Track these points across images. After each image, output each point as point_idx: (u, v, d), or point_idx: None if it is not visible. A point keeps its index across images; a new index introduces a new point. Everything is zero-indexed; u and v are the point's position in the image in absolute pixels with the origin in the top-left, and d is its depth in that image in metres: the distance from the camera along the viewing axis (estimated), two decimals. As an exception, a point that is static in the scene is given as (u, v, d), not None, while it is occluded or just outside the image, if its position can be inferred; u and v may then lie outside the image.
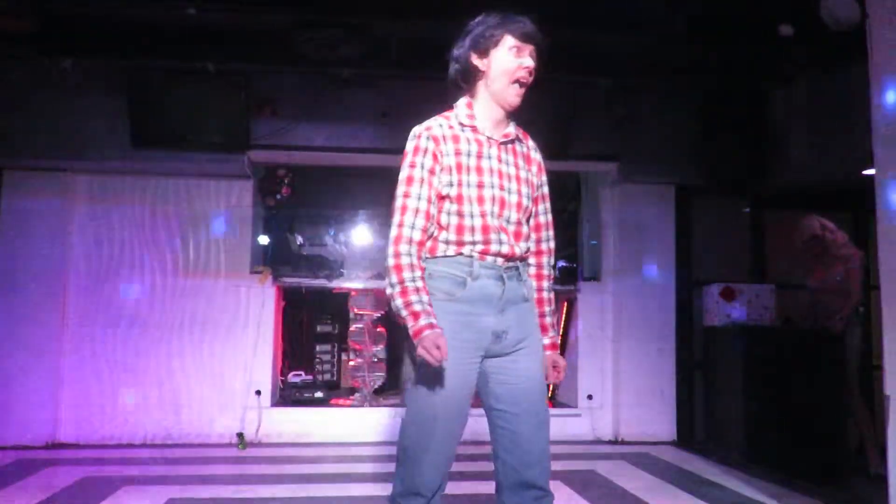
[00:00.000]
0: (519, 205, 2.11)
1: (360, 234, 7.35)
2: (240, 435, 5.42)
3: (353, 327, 6.17)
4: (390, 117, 5.53)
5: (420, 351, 1.89)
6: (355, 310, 6.13)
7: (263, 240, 6.14)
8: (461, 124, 2.14)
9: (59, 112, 5.28)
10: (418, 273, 2.01)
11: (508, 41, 2.08)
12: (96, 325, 5.46)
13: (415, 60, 5.13)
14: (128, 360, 5.47)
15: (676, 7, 4.57)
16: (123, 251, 5.55)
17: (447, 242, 2.07)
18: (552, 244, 2.26)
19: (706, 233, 6.06)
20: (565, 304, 6.26)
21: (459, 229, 2.06)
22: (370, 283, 6.04)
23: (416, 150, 2.09)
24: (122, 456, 5.04)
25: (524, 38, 2.08)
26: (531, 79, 2.12)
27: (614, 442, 5.77)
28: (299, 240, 6.72)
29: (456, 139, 2.11)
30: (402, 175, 2.09)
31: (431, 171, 2.07)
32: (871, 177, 3.19)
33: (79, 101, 5.30)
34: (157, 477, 4.44)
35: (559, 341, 2.23)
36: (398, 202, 2.08)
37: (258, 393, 5.57)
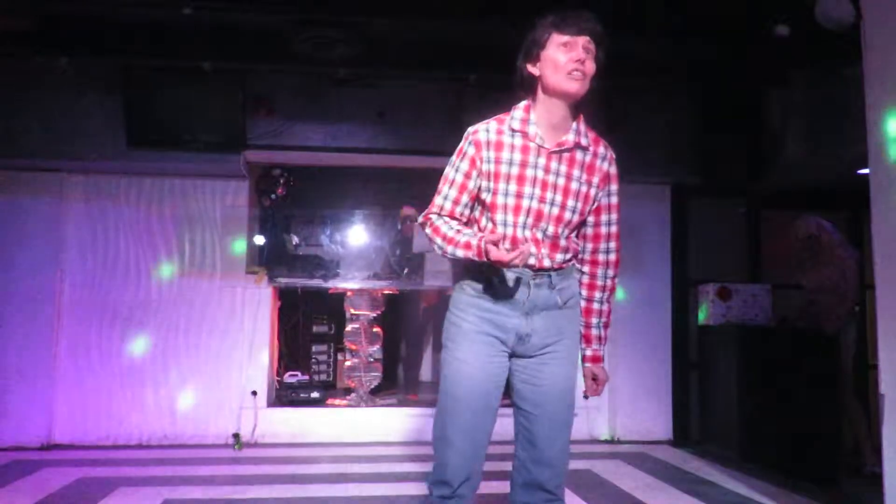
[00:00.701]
0: (559, 218, 2.07)
1: (357, 235, 7.35)
2: (236, 435, 5.41)
3: (349, 327, 6.16)
4: (387, 117, 5.53)
5: (493, 257, 1.92)
6: (351, 310, 6.12)
7: (259, 240, 6.12)
8: (512, 129, 2.10)
9: (55, 111, 5.26)
10: (454, 224, 2.10)
11: (556, 39, 2.05)
12: (91, 326, 5.45)
13: (412, 60, 5.13)
14: (123, 360, 5.46)
15: (673, 7, 4.57)
16: (119, 251, 5.54)
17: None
18: (612, 256, 2.20)
19: (702, 232, 6.07)
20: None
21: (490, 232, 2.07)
22: (366, 283, 6.04)
23: (458, 151, 2.14)
24: (117, 457, 5.03)
25: (572, 31, 2.03)
26: (590, 68, 2.06)
27: (611, 441, 5.78)
28: (295, 240, 6.71)
29: (500, 146, 2.08)
30: (444, 171, 2.17)
31: (466, 175, 2.11)
32: (866, 176, 3.19)
33: (74, 100, 5.28)
34: (153, 478, 4.43)
35: (602, 354, 2.23)
36: (436, 195, 2.18)
37: (254, 393, 5.56)
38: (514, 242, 2.06)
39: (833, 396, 4.85)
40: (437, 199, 2.16)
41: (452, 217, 2.14)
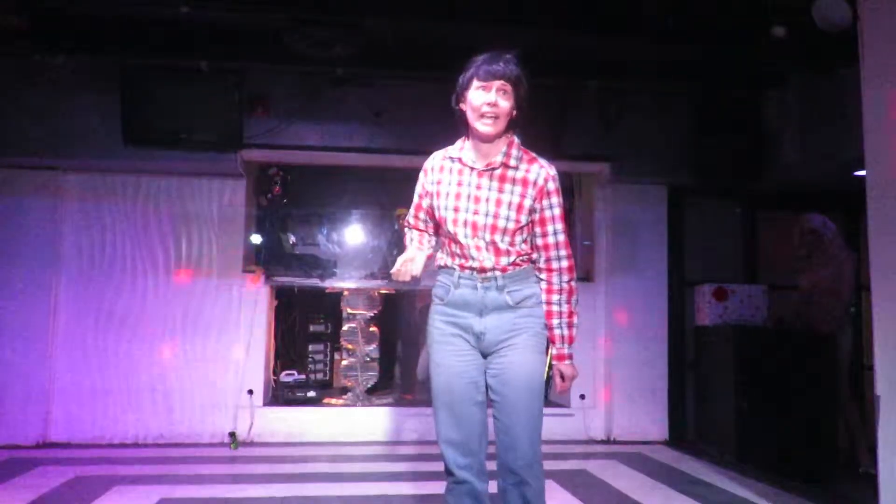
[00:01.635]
0: (494, 227, 2.34)
1: (353, 234, 7.34)
2: (232, 434, 5.41)
3: (345, 327, 6.16)
4: (384, 117, 5.53)
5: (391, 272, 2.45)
6: (348, 309, 6.11)
7: (256, 239, 6.12)
8: (450, 157, 2.45)
9: (51, 109, 5.25)
10: (415, 234, 2.57)
11: (474, 83, 2.33)
12: (88, 325, 5.44)
13: (409, 60, 5.13)
14: (119, 359, 5.45)
15: (668, 8, 4.58)
16: (115, 250, 5.53)
17: (442, 255, 2.48)
18: (564, 263, 2.42)
19: (698, 233, 6.09)
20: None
21: (446, 246, 2.45)
22: (363, 282, 6.03)
23: (418, 179, 2.55)
24: (113, 455, 5.02)
25: (487, 76, 2.30)
26: (500, 109, 2.31)
27: (607, 441, 5.78)
28: (292, 239, 6.70)
29: (442, 169, 2.46)
30: None
31: (421, 196, 2.53)
32: (862, 178, 3.20)
33: (70, 98, 5.28)
34: (149, 476, 4.43)
35: (566, 352, 2.43)
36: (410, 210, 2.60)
37: (250, 392, 5.56)
38: (461, 248, 2.38)
39: (828, 397, 4.86)
40: (407, 225, 2.64)
41: (415, 228, 2.59)
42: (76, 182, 5.51)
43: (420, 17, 4.56)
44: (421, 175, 2.52)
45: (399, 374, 6.90)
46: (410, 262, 2.40)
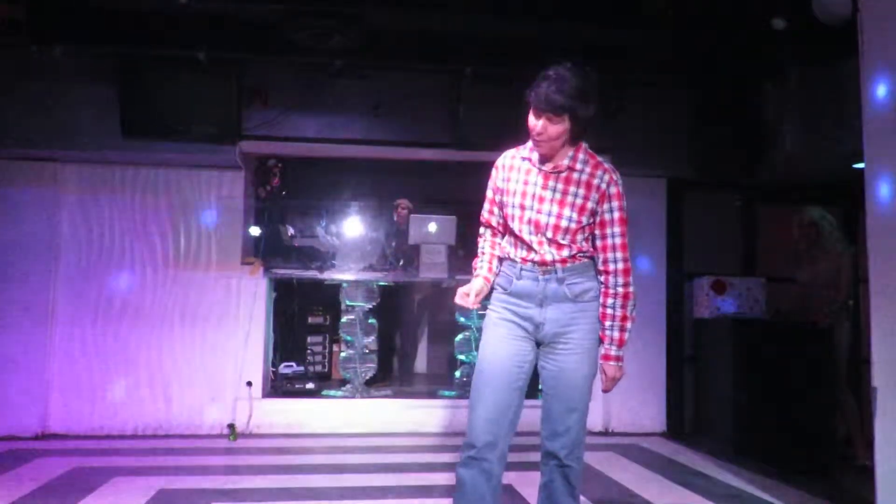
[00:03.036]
0: (556, 227, 2.45)
1: (352, 226, 7.33)
2: (231, 426, 5.42)
3: (344, 319, 6.16)
4: (382, 108, 5.52)
5: (455, 300, 2.50)
6: (347, 301, 6.12)
7: (255, 231, 6.11)
8: (522, 156, 2.57)
9: (48, 101, 5.24)
10: (487, 243, 2.65)
11: (531, 106, 2.44)
12: (86, 316, 5.44)
13: (408, 52, 5.11)
14: (118, 350, 5.45)
15: (669, 1, 4.57)
16: (113, 242, 5.52)
17: (506, 246, 2.58)
18: (620, 266, 2.51)
19: (697, 226, 6.08)
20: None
21: (509, 240, 2.57)
22: (362, 274, 6.03)
23: (490, 175, 2.65)
24: (112, 447, 5.03)
25: (536, 102, 2.41)
26: (553, 132, 2.41)
27: (605, 433, 5.80)
28: (291, 231, 6.69)
29: (512, 168, 2.57)
30: None
31: (493, 191, 2.62)
32: (861, 171, 3.20)
33: (68, 90, 5.26)
34: (148, 468, 4.43)
35: (613, 353, 2.56)
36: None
37: (249, 384, 5.56)
38: (523, 243, 2.49)
39: (826, 390, 4.87)
40: (482, 219, 2.69)
41: (488, 225, 2.66)
42: (74, 174, 5.50)
43: (418, 8, 4.54)
44: (493, 171, 2.62)
45: (397, 366, 6.91)
46: (476, 295, 2.48)
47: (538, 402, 2.60)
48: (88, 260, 5.48)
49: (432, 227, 5.80)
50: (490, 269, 2.59)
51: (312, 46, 4.73)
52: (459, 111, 5.34)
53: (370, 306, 6.15)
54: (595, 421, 5.87)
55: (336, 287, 6.19)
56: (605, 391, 2.61)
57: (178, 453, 4.88)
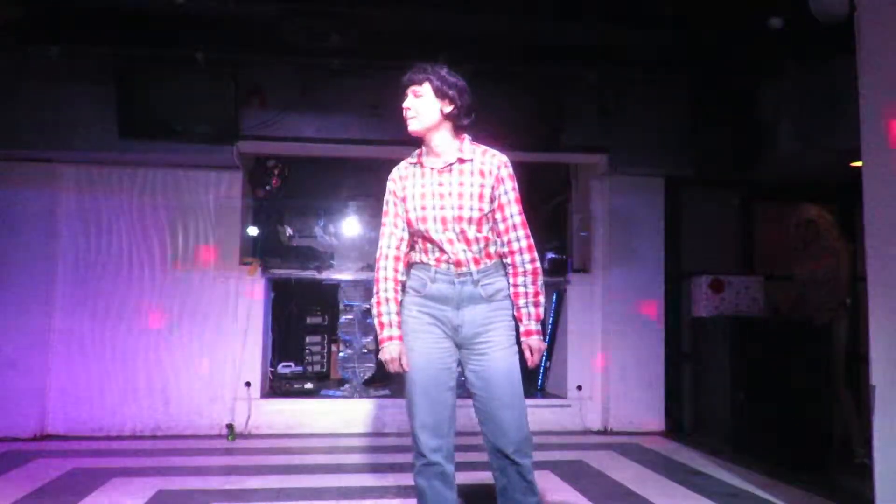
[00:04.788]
0: (460, 217, 2.51)
1: (350, 226, 7.33)
2: (229, 426, 5.41)
3: (342, 318, 6.16)
4: (380, 108, 5.51)
5: (381, 356, 2.55)
6: (345, 301, 6.12)
7: (253, 231, 6.11)
8: (411, 163, 2.67)
9: (46, 101, 5.23)
10: (391, 284, 2.58)
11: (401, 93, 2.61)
12: (84, 317, 5.43)
13: (405, 51, 5.10)
14: (116, 351, 5.45)
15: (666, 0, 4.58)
16: (111, 242, 5.52)
17: (416, 253, 2.63)
18: (523, 242, 2.58)
19: (695, 224, 6.09)
20: (554, 295, 6.29)
21: (419, 245, 2.60)
22: (360, 274, 6.03)
23: (387, 189, 2.70)
24: (110, 447, 5.03)
25: (401, 88, 2.62)
26: (420, 106, 2.57)
27: (603, 432, 5.80)
28: (289, 231, 6.69)
29: (405, 178, 2.65)
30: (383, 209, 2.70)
31: (394, 204, 2.65)
32: (858, 169, 3.20)
33: (65, 90, 5.25)
34: (147, 468, 4.43)
35: (533, 328, 2.58)
36: (381, 230, 2.69)
37: (248, 384, 5.56)
38: (435, 244, 2.54)
39: (824, 388, 4.87)
40: (383, 241, 2.65)
41: (398, 248, 2.62)
42: (72, 174, 5.50)
43: (415, 8, 4.54)
44: (389, 186, 2.68)
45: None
46: (399, 361, 2.51)
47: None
48: (86, 261, 5.48)
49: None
50: (398, 316, 2.57)
51: (310, 46, 4.74)
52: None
53: (368, 306, 6.14)
54: (594, 420, 5.88)
55: (334, 287, 6.19)
56: (533, 366, 2.60)
57: (176, 454, 4.87)
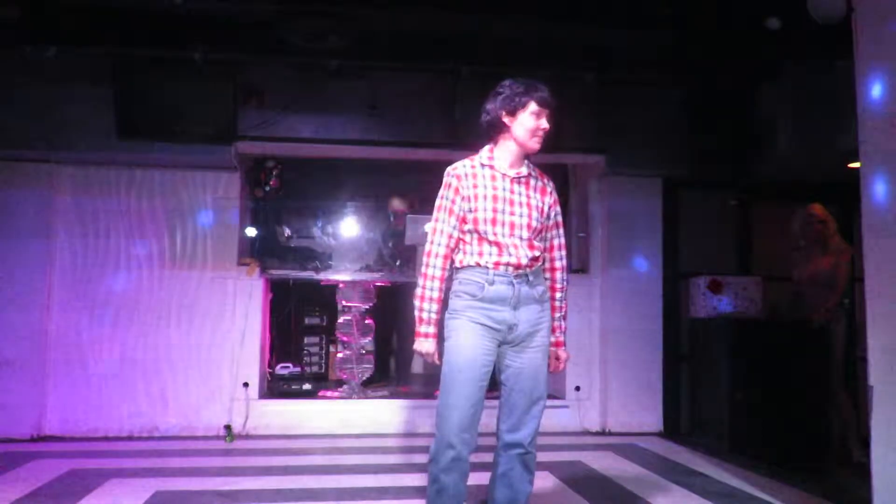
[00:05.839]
0: (529, 226, 2.68)
1: (349, 227, 7.33)
2: (227, 427, 5.41)
3: (341, 319, 6.16)
4: (379, 109, 5.51)
5: (417, 347, 2.72)
6: (343, 302, 6.11)
7: (251, 231, 6.11)
8: (482, 164, 2.74)
9: (44, 102, 5.22)
10: (437, 283, 2.69)
11: (532, 106, 2.69)
12: (82, 318, 5.43)
13: (404, 52, 5.11)
14: (114, 352, 5.44)
15: (665, 2, 4.58)
16: (109, 243, 5.51)
17: (471, 255, 2.69)
18: (565, 262, 2.85)
19: (693, 225, 6.09)
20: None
21: (477, 248, 2.68)
22: (358, 275, 6.03)
23: (444, 186, 2.75)
24: (108, 448, 5.02)
25: (543, 104, 2.71)
26: (545, 133, 2.73)
27: (602, 433, 5.80)
28: (287, 232, 6.69)
29: (475, 176, 2.72)
30: (435, 205, 2.76)
31: (453, 202, 2.71)
32: (857, 170, 3.20)
33: (63, 90, 5.24)
34: (144, 469, 4.42)
35: (563, 339, 2.89)
36: (431, 226, 2.76)
37: (246, 385, 5.56)
38: (498, 247, 2.64)
39: (822, 388, 4.88)
40: (436, 238, 2.72)
41: (448, 247, 2.71)
42: (70, 175, 5.49)
43: (414, 8, 4.54)
44: (451, 183, 2.73)
45: (394, 367, 6.90)
46: (434, 356, 2.72)
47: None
48: (84, 261, 5.47)
49: (428, 227, 5.79)
50: (437, 315, 2.72)
51: (308, 47, 4.74)
52: (456, 111, 5.34)
53: (367, 307, 6.15)
54: (593, 421, 5.88)
55: (333, 288, 6.18)
56: (555, 371, 2.87)
57: (174, 455, 4.87)
